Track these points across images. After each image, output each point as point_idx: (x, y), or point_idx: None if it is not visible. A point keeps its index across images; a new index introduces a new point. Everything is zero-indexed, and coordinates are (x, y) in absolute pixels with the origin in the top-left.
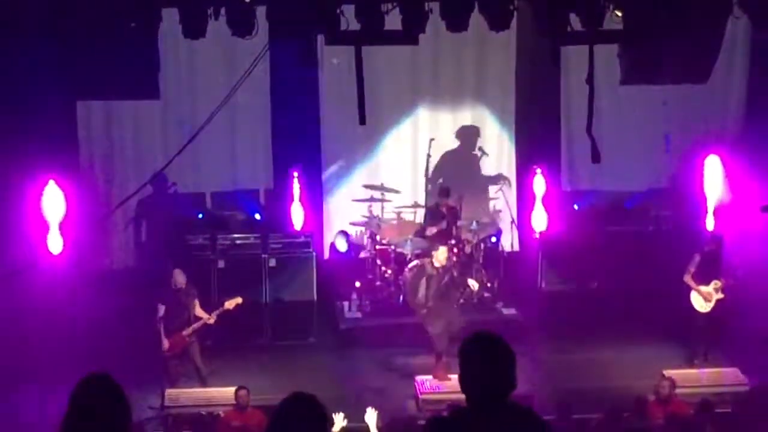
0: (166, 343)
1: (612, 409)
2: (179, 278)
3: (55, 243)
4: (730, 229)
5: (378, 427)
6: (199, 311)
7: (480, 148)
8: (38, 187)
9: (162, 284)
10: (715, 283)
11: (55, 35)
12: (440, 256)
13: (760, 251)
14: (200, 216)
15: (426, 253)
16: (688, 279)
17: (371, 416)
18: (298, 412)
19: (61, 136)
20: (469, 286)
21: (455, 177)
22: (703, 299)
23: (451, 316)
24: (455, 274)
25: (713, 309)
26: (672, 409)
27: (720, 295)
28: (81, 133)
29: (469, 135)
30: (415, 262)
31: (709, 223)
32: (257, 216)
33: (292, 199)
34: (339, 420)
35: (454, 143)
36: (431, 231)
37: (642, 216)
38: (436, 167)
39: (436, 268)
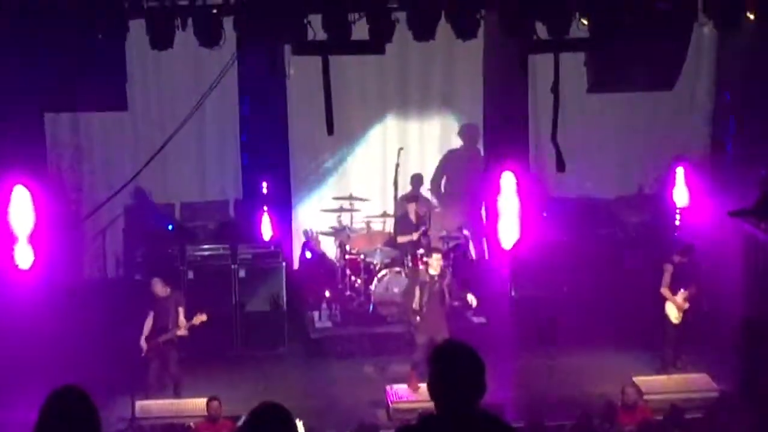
0: (144, 346)
1: (582, 415)
2: (157, 287)
3: (24, 257)
4: (697, 237)
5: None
6: (181, 320)
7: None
8: (4, 196)
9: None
10: (683, 293)
11: (21, 47)
12: (434, 263)
13: (726, 258)
14: (170, 227)
15: (396, 262)
16: (664, 291)
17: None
18: (267, 421)
19: (28, 147)
20: (467, 301)
21: (424, 185)
22: (676, 310)
23: (439, 326)
24: (448, 283)
25: (683, 319)
26: (641, 416)
27: (686, 305)
28: (49, 143)
29: (437, 143)
30: (384, 272)
31: (678, 230)
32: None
33: (261, 210)
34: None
35: (423, 152)
36: (402, 240)
37: (611, 222)
38: (405, 176)
39: (431, 276)
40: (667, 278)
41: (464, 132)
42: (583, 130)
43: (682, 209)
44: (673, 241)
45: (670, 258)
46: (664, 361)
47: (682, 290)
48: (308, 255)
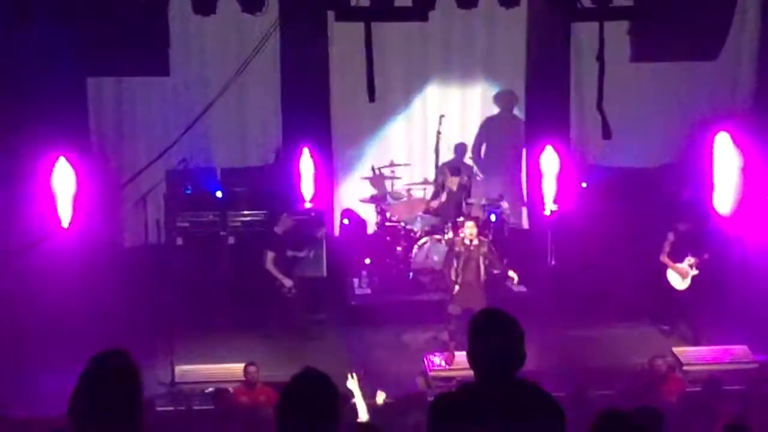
0: (288, 282)
1: (623, 388)
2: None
3: (65, 216)
4: (738, 208)
5: (384, 401)
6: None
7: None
8: (49, 163)
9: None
10: (689, 260)
11: (65, 13)
12: (468, 231)
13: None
14: (218, 194)
15: (436, 230)
16: (663, 257)
17: (353, 384)
18: (309, 388)
19: (72, 113)
20: (509, 277)
21: (465, 153)
22: (679, 276)
23: (475, 296)
24: (485, 252)
25: (690, 286)
26: (672, 387)
27: (695, 272)
28: (91, 109)
29: (478, 111)
30: (424, 240)
31: (717, 201)
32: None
33: (302, 176)
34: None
35: (465, 120)
36: (431, 205)
37: (652, 192)
38: (447, 144)
39: (465, 245)
40: (666, 246)
41: (506, 100)
42: (626, 99)
43: (722, 179)
44: (683, 206)
45: (675, 225)
46: (673, 330)
47: (689, 257)
48: (346, 222)
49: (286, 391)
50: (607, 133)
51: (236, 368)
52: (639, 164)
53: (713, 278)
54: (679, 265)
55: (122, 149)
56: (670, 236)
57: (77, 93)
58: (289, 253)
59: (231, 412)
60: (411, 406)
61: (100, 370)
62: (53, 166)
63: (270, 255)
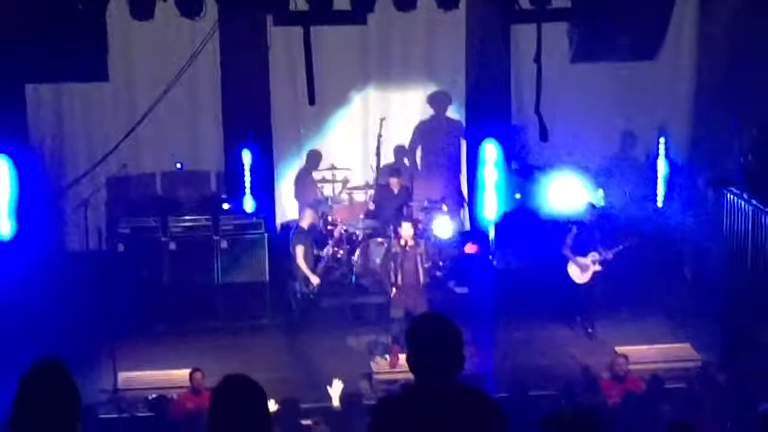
0: (315, 279)
1: (565, 387)
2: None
3: (5, 227)
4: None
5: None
6: None
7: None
8: None
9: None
10: (593, 255)
11: (1, 18)
12: (404, 232)
13: (708, 227)
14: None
15: (378, 233)
16: (565, 251)
17: (336, 387)
18: (234, 395)
19: (10, 117)
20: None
21: (406, 155)
22: (578, 270)
23: (414, 298)
24: (421, 252)
25: (590, 280)
26: (627, 387)
27: (597, 267)
28: (30, 115)
29: (419, 113)
30: (366, 243)
31: (659, 201)
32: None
33: (243, 180)
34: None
35: (405, 122)
36: (372, 208)
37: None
38: (387, 146)
39: (402, 246)
40: (568, 239)
41: (446, 103)
42: (565, 100)
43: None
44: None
45: (579, 221)
46: (574, 327)
47: (592, 252)
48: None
49: (213, 394)
50: (544, 135)
51: (179, 374)
52: (578, 164)
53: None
54: (580, 258)
55: (62, 155)
56: (573, 229)
57: (16, 99)
58: (315, 251)
59: (173, 418)
60: (352, 410)
61: (36, 380)
62: None
63: (299, 250)
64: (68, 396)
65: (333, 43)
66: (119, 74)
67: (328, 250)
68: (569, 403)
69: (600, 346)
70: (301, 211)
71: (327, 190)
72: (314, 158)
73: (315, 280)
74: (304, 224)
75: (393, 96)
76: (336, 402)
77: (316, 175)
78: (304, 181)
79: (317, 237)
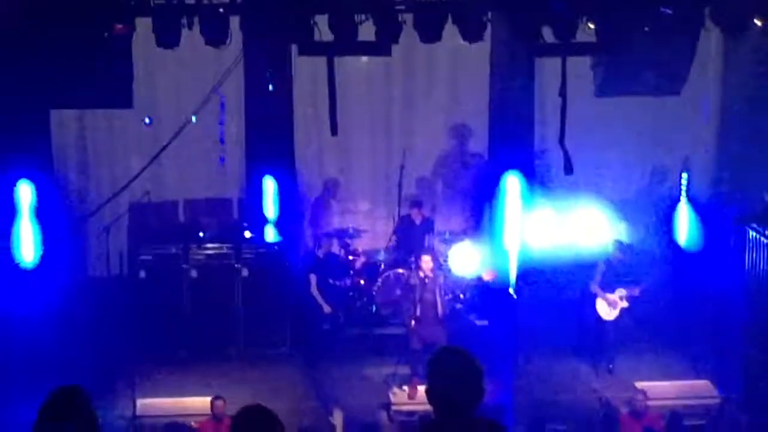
0: (327, 308)
1: (583, 422)
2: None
3: (28, 253)
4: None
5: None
6: None
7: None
8: (9, 192)
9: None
10: (620, 291)
11: (28, 43)
12: (424, 264)
13: (728, 263)
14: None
15: (399, 263)
16: (593, 287)
17: (338, 417)
18: (250, 424)
19: (34, 143)
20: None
21: (428, 187)
22: (608, 306)
23: (432, 331)
24: (441, 285)
25: (618, 317)
26: (646, 423)
27: (624, 304)
28: (54, 140)
29: (442, 145)
30: (388, 273)
31: (677, 235)
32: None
33: (266, 209)
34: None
35: (428, 154)
36: (394, 239)
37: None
38: (409, 178)
39: (422, 278)
40: (597, 275)
41: (468, 134)
42: (590, 134)
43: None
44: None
45: (605, 254)
46: (598, 361)
47: (620, 288)
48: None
49: (232, 424)
50: (569, 169)
51: (198, 402)
52: (601, 198)
53: (650, 310)
54: (609, 295)
55: (86, 181)
56: (601, 265)
57: (40, 124)
58: (330, 281)
59: None
60: None
61: (55, 407)
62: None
63: (313, 279)
64: (87, 423)
65: (357, 74)
66: (143, 101)
67: (346, 281)
68: None
69: (619, 382)
70: (318, 240)
71: (348, 220)
72: (334, 187)
73: (327, 309)
74: (320, 253)
75: (416, 127)
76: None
77: (337, 204)
78: (323, 210)
79: (336, 266)
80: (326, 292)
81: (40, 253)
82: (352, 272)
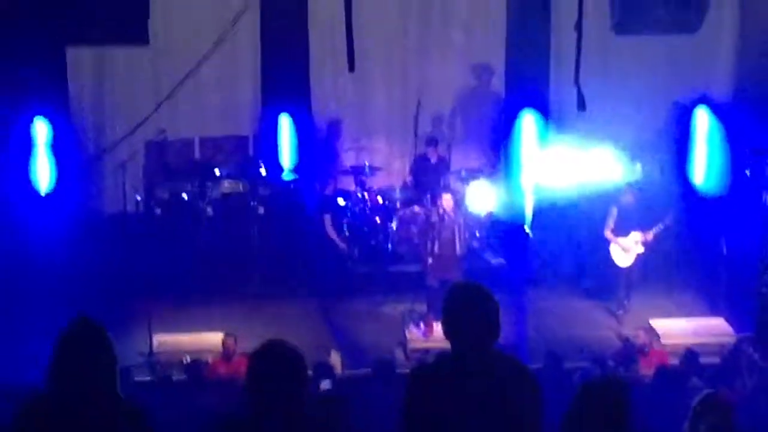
0: (343, 246)
1: (597, 358)
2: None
3: (45, 188)
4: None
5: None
6: None
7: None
8: (26, 127)
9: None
10: (634, 236)
11: None
12: (445, 203)
13: (744, 202)
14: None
15: (414, 201)
16: (607, 233)
17: (335, 357)
18: (272, 359)
19: (50, 79)
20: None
21: (445, 125)
22: (623, 252)
23: (450, 268)
24: (461, 225)
25: (633, 262)
26: (657, 361)
27: (640, 249)
28: (71, 77)
29: (458, 82)
30: (403, 211)
31: (697, 176)
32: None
33: (282, 146)
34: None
35: (444, 91)
36: (410, 176)
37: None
38: (426, 115)
39: (440, 216)
40: (610, 220)
41: (487, 73)
42: (606, 72)
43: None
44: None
45: (618, 198)
46: (617, 305)
47: (633, 232)
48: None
49: (253, 357)
50: (582, 105)
51: (215, 338)
52: (615, 137)
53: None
54: (623, 240)
55: (101, 118)
56: (613, 210)
57: (56, 62)
58: (346, 218)
59: (207, 383)
60: (380, 377)
61: (74, 338)
62: (31, 129)
63: (327, 218)
64: (107, 355)
65: (373, 11)
66: (159, 38)
67: (362, 218)
68: (602, 374)
69: (634, 319)
70: (331, 179)
71: (364, 156)
72: (351, 125)
73: (342, 246)
74: (329, 191)
75: (432, 63)
76: (338, 370)
77: (353, 142)
78: (337, 147)
79: (352, 204)
80: (341, 230)
81: (55, 185)
82: (367, 210)
